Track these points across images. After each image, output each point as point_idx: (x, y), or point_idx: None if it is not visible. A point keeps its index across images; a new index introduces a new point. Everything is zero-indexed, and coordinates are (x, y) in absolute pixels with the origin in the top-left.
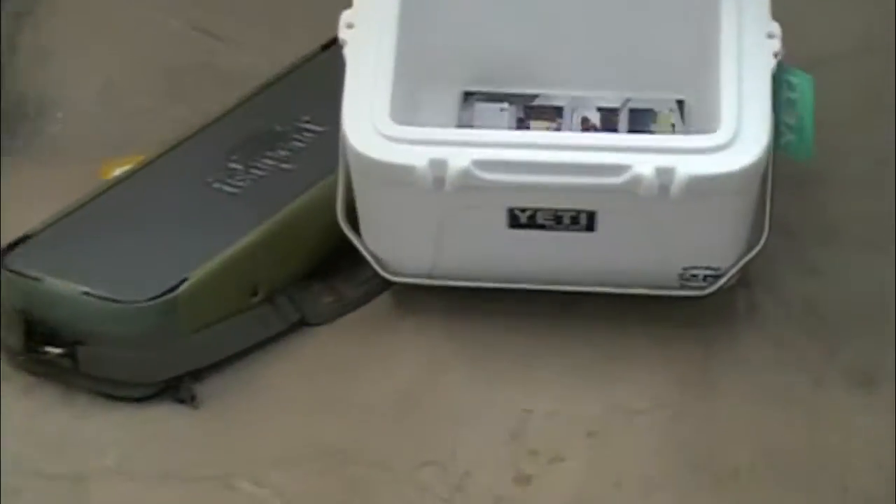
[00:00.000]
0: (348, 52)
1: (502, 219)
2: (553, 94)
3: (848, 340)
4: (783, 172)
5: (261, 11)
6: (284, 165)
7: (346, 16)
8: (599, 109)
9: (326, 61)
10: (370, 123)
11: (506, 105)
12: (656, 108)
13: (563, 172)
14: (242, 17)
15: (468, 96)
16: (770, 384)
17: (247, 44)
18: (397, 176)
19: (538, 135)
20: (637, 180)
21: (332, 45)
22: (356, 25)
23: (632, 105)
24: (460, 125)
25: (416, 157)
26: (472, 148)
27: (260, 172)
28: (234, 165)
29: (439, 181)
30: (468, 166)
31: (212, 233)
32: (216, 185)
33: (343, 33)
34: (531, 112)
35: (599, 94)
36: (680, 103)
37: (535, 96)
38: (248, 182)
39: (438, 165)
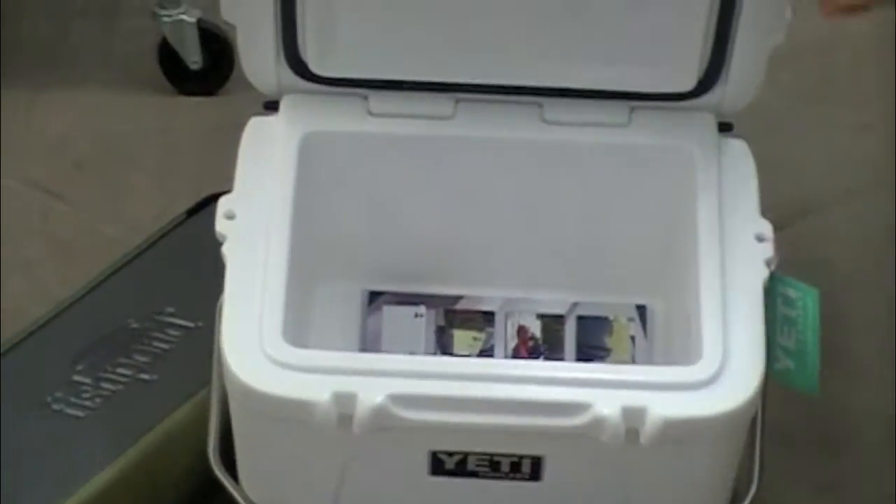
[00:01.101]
0: (228, 251)
1: (423, 464)
2: (481, 296)
3: None
4: None
5: (106, 163)
6: (143, 376)
7: (224, 203)
8: (540, 316)
9: (193, 231)
10: (257, 345)
11: (422, 309)
12: (611, 316)
13: (503, 411)
14: (87, 170)
15: (375, 297)
16: None
17: (89, 204)
18: (292, 413)
19: (472, 363)
20: (599, 423)
21: (201, 210)
22: (238, 216)
23: (581, 311)
24: (365, 335)
25: (317, 391)
26: (387, 378)
27: (112, 387)
28: (79, 378)
29: (345, 420)
30: (383, 402)
31: (47, 478)
32: (56, 407)
33: (221, 225)
34: (454, 318)
35: (540, 297)
36: (641, 310)
37: (458, 298)
38: (97, 401)
39: (345, 401)
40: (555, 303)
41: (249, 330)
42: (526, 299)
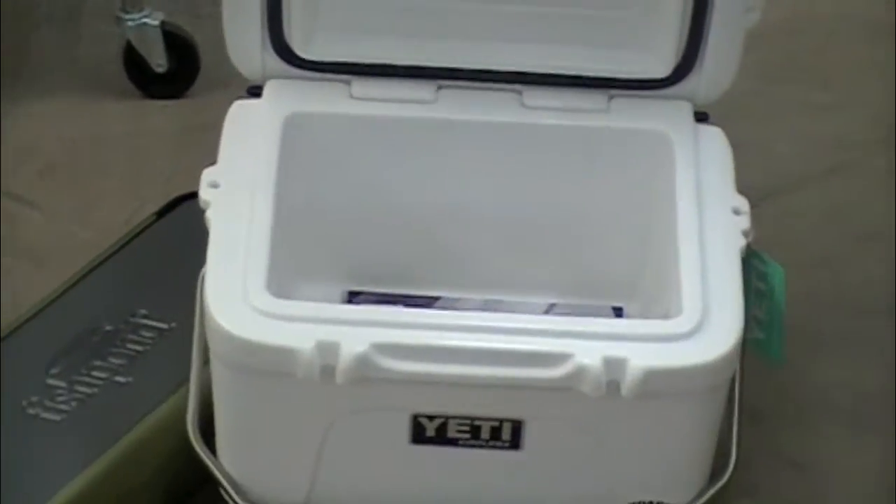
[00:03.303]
0: (212, 215)
1: (404, 431)
2: (459, 297)
3: None
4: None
5: (75, 169)
6: (119, 378)
7: (209, 173)
8: None
9: (164, 232)
10: (241, 296)
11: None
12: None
13: (485, 362)
14: (56, 176)
15: (353, 297)
16: None
17: (59, 209)
18: (274, 363)
19: (457, 315)
20: (580, 374)
21: (172, 211)
22: (222, 185)
23: (558, 311)
24: None
25: (301, 339)
26: (370, 328)
27: (87, 390)
28: (54, 382)
29: (328, 372)
30: (366, 351)
31: (24, 483)
32: (32, 411)
33: (206, 193)
34: None
35: (517, 299)
36: (618, 311)
37: (435, 299)
38: (72, 404)
39: (328, 349)
40: (532, 305)
41: (233, 283)
42: (503, 301)
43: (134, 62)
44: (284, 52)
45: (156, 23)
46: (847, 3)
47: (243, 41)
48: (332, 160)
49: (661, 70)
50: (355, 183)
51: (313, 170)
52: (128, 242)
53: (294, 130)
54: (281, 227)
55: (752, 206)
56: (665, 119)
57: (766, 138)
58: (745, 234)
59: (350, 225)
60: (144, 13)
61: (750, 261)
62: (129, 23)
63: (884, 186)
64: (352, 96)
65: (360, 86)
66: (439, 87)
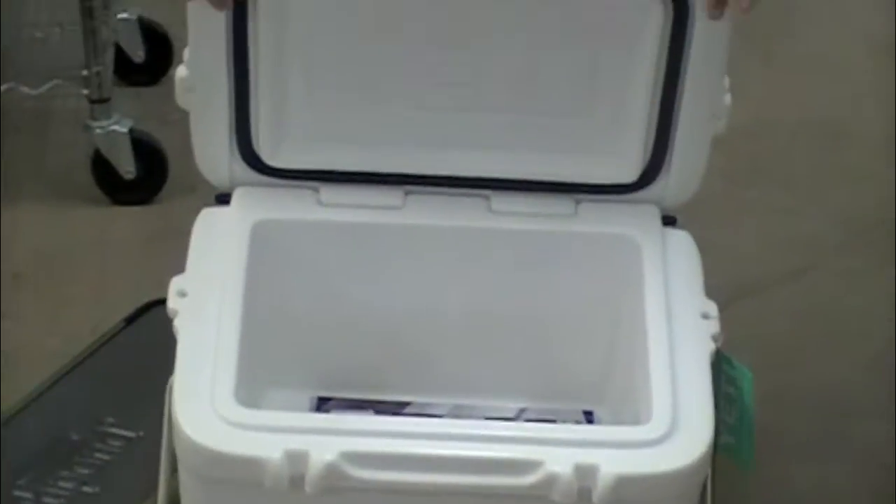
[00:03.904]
0: (180, 324)
1: None
2: (429, 403)
3: None
4: None
5: (44, 276)
6: (86, 488)
7: (177, 282)
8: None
9: (132, 339)
10: (209, 406)
11: (370, 415)
12: (559, 421)
13: (455, 470)
14: (25, 283)
15: (323, 402)
16: None
17: (27, 317)
18: (243, 473)
19: (425, 423)
20: (550, 481)
21: (140, 317)
22: (190, 293)
23: (528, 416)
24: None
25: (269, 449)
26: (339, 437)
27: (55, 501)
28: (21, 494)
29: (297, 482)
30: (335, 460)
31: None
32: None
33: (174, 302)
34: None
35: (488, 403)
36: (588, 415)
37: (406, 404)
38: None
39: (297, 459)
40: (503, 409)
41: (201, 393)
42: (474, 406)
43: (102, 169)
44: (252, 160)
45: (124, 130)
46: (809, 108)
47: (211, 150)
48: (301, 266)
49: (629, 175)
50: (324, 289)
51: (282, 276)
52: (96, 350)
53: (262, 238)
54: (249, 335)
55: (722, 307)
56: (632, 223)
57: (734, 240)
58: (715, 338)
59: (319, 331)
60: (113, 120)
61: (719, 365)
62: (98, 130)
63: (851, 288)
64: (320, 203)
65: (328, 192)
66: (407, 193)
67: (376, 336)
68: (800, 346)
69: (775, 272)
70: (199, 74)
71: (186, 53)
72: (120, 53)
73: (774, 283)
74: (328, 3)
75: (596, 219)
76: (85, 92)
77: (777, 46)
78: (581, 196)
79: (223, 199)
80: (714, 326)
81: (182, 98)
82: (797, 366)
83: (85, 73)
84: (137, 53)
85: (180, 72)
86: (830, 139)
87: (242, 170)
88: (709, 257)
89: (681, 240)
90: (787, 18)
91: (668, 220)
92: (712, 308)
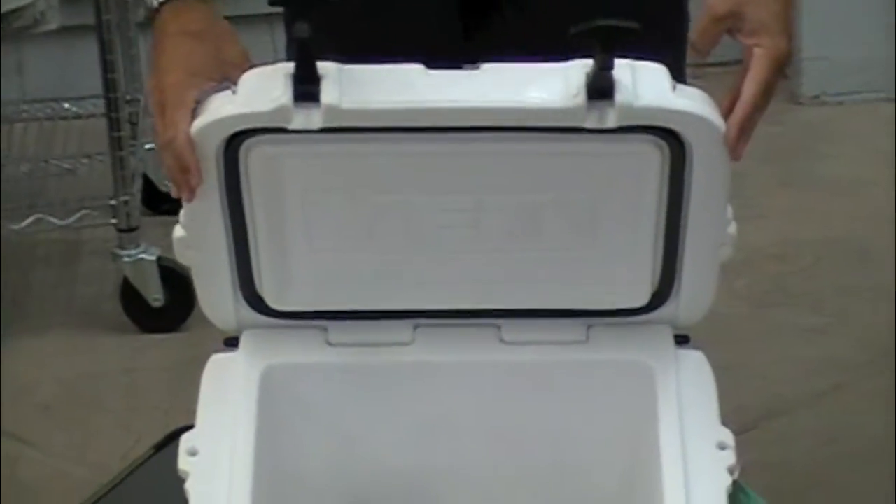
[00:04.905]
0: (191, 486)
1: None
2: None
3: None
4: None
5: (72, 406)
6: None
7: (186, 440)
8: None
9: (162, 466)
10: None
11: None
12: None
13: None
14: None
15: None
16: None
17: (56, 447)
18: None
19: None
20: None
21: (168, 445)
22: (200, 452)
23: None
24: None
25: None
26: None
27: None
28: None
29: None
30: None
31: None
32: None
33: (184, 462)
34: None
35: None
36: None
37: None
38: None
39: None
40: None
41: None
42: None
43: (130, 298)
44: (257, 304)
45: (152, 258)
46: (832, 228)
47: (215, 295)
48: (312, 409)
49: (638, 300)
50: (337, 429)
51: (292, 427)
52: (125, 478)
53: (272, 383)
54: (261, 494)
55: (750, 426)
56: (645, 347)
57: (759, 362)
58: (731, 470)
59: (333, 465)
60: (141, 249)
61: (737, 496)
62: (126, 259)
63: (877, 408)
64: (328, 343)
65: (337, 332)
66: (416, 327)
67: (392, 474)
68: (826, 468)
69: (802, 393)
70: (195, 234)
71: (182, 214)
72: (147, 183)
73: (801, 405)
74: (321, 167)
75: (608, 345)
76: (113, 221)
77: (797, 166)
78: (592, 320)
79: (231, 342)
80: (730, 458)
81: (182, 255)
82: (824, 488)
83: (113, 202)
84: (165, 183)
85: (177, 232)
86: (854, 258)
87: (249, 314)
88: (735, 378)
89: (695, 361)
90: (805, 139)
91: (681, 339)
92: (728, 437)
